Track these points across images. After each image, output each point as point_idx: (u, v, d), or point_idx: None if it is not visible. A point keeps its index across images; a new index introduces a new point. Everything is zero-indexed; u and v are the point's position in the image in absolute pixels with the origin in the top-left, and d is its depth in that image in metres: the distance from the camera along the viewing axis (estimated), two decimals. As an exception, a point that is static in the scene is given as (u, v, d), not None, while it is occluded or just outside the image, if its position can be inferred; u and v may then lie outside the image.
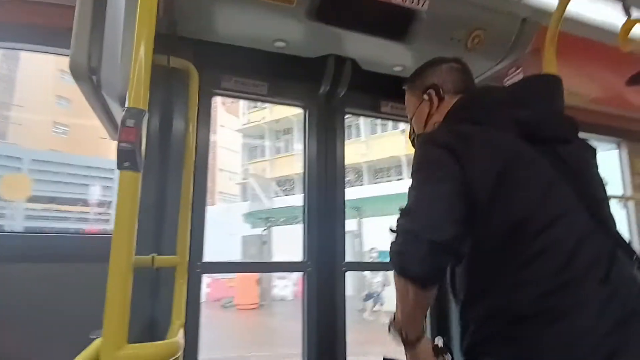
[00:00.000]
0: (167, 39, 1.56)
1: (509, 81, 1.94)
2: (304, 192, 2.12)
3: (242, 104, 22.72)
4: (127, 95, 0.91)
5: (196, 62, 1.73)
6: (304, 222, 2.09)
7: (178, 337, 0.97)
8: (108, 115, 1.35)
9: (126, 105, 0.87)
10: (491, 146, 0.90)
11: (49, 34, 1.54)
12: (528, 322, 0.79)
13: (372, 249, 10.13)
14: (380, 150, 18.13)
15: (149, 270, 1.56)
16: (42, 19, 1.55)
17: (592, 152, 1.01)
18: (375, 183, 17.45)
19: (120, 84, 1.07)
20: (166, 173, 1.70)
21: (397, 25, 1.75)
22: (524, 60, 1.90)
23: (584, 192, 0.88)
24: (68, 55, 1.48)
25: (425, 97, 1.15)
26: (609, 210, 0.93)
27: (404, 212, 0.87)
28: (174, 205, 1.67)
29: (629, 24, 1.66)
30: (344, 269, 2.03)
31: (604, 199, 0.95)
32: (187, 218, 1.63)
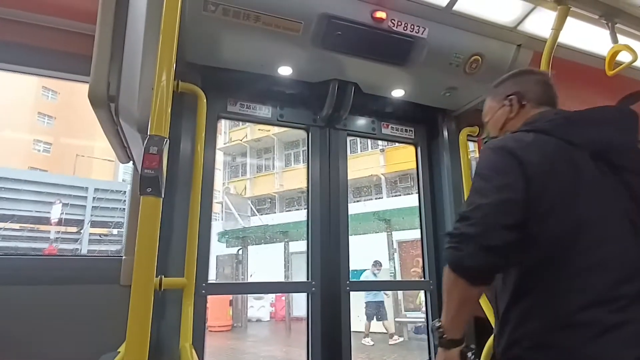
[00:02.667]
0: (176, 65, 1.62)
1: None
2: (307, 212, 2.16)
3: (224, 122, 22.94)
4: (148, 122, 0.95)
5: (203, 86, 1.79)
6: (307, 242, 2.11)
7: (194, 358, 0.98)
8: (121, 141, 1.39)
9: (148, 132, 0.91)
10: (554, 156, 0.91)
11: (68, 61, 1.60)
12: (567, 331, 0.79)
13: (376, 261, 9.35)
14: (358, 169, 18.35)
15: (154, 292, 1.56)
16: (61, 46, 1.61)
17: None
18: (355, 202, 17.55)
19: (138, 111, 1.10)
20: (174, 194, 1.72)
21: (398, 52, 1.82)
22: (519, 85, 1.98)
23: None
24: (82, 81, 1.53)
25: (506, 102, 1.14)
26: None
27: (462, 217, 0.90)
28: (181, 226, 1.69)
29: (615, 50, 1.75)
30: (348, 288, 2.05)
31: None
32: (195, 239, 1.65)
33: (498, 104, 1.16)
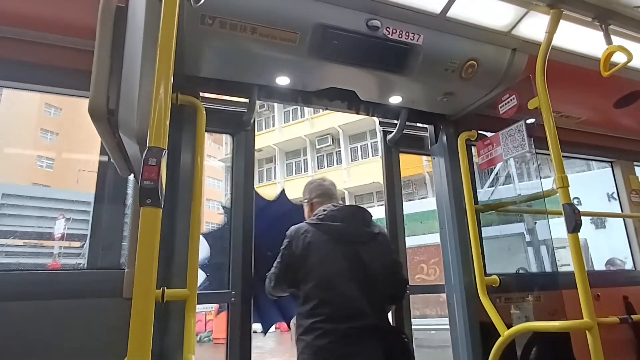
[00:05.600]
0: (175, 78, 1.64)
1: (503, 107, 2.02)
2: (230, 219, 2.01)
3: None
4: (146, 134, 0.96)
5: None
6: (229, 250, 1.97)
7: (197, 370, 0.98)
8: (121, 153, 1.40)
9: (147, 144, 0.92)
10: (311, 241, 1.68)
11: (68, 76, 1.63)
12: (309, 332, 1.58)
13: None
14: (360, 176, 18.40)
15: (158, 304, 1.56)
16: (62, 62, 1.64)
17: (387, 243, 1.83)
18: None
19: (137, 124, 1.12)
20: (175, 206, 1.73)
21: (394, 59, 1.84)
22: (517, 87, 1.99)
23: (362, 275, 1.64)
24: (82, 96, 1.54)
25: (304, 203, 1.99)
26: (378, 285, 1.67)
27: (266, 276, 1.78)
28: (182, 237, 1.69)
29: (610, 51, 1.77)
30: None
31: (377, 278, 1.67)
32: (197, 250, 1.65)
33: (304, 204, 2.00)
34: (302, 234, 1.70)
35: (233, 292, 1.89)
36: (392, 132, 2.40)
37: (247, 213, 2.01)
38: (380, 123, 2.46)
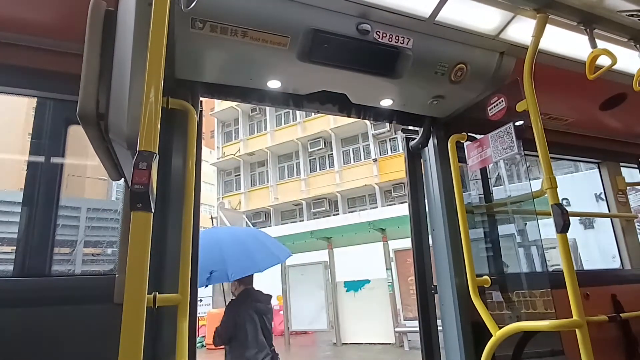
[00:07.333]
0: (166, 82, 1.63)
1: (492, 109, 2.05)
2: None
3: (217, 137, 23.18)
4: (137, 138, 0.96)
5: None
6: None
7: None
8: (111, 158, 1.39)
9: (137, 148, 0.92)
10: (240, 312, 3.45)
11: (55, 80, 1.61)
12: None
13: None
14: (353, 179, 18.46)
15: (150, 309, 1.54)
16: (50, 66, 1.62)
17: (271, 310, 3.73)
18: (351, 212, 17.63)
19: (127, 128, 1.11)
20: (167, 210, 1.72)
21: (384, 63, 1.85)
22: (505, 90, 2.02)
23: (267, 329, 3.55)
24: (71, 100, 1.53)
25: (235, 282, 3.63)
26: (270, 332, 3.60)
27: (217, 328, 3.56)
28: (174, 241, 1.68)
29: (595, 54, 1.80)
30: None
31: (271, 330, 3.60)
32: (188, 254, 1.64)
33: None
34: (236, 305, 3.43)
35: None
36: (414, 138, 2.54)
37: (194, 214, 1.86)
38: (402, 130, 2.62)
